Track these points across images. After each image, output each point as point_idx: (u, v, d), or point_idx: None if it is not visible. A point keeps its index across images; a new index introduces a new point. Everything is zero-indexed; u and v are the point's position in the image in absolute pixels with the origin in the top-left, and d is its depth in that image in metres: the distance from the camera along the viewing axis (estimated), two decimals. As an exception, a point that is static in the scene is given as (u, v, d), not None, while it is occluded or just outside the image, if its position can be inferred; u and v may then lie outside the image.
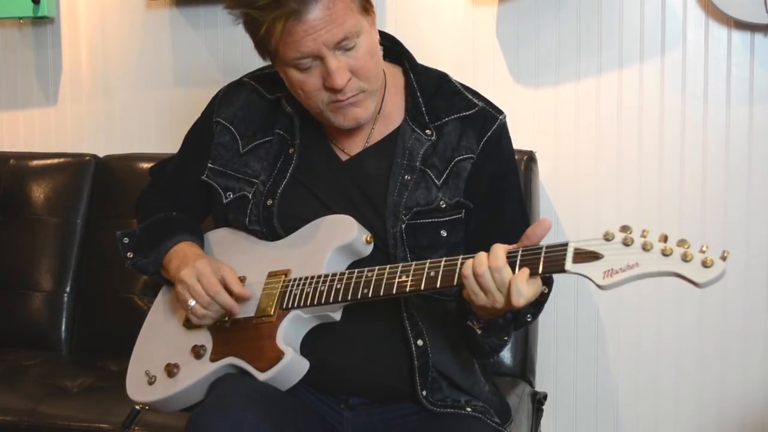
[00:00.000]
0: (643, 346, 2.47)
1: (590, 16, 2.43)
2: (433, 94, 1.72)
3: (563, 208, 2.49)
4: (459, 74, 1.81)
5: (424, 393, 1.64)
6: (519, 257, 1.41)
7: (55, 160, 2.72)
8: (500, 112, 1.73)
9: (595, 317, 2.49)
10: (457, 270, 1.45)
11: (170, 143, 2.55)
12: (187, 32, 2.75)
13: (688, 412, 2.45)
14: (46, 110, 2.91)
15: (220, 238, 1.79)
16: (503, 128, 1.73)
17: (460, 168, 1.67)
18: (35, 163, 2.73)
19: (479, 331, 1.58)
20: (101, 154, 2.73)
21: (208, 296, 1.62)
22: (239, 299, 1.63)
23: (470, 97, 1.73)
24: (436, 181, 1.66)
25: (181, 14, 2.75)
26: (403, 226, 1.63)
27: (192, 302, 1.63)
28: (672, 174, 2.41)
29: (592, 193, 2.46)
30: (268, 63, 1.67)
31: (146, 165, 2.58)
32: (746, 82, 2.35)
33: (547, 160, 2.46)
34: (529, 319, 1.60)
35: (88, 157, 2.71)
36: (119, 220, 2.52)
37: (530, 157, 2.36)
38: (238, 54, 2.67)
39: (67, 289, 2.62)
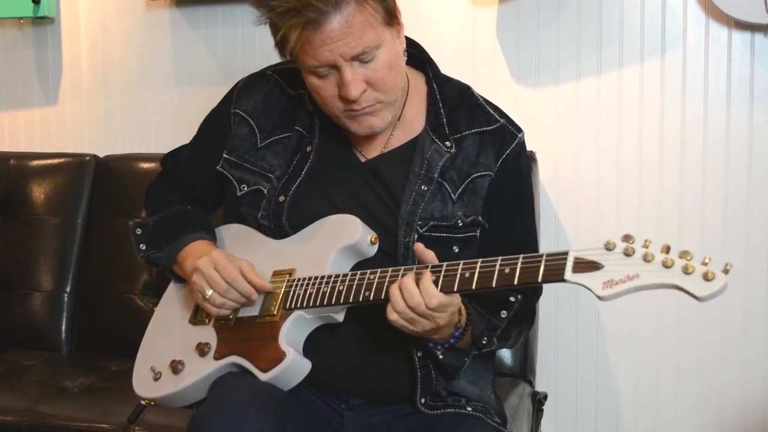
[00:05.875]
0: (642, 346, 2.47)
1: (590, 16, 2.43)
2: (455, 106, 1.71)
3: (563, 208, 2.48)
4: (459, 74, 1.80)
5: (423, 401, 1.64)
6: (519, 265, 1.39)
7: (55, 160, 2.72)
8: (519, 130, 1.73)
9: (595, 317, 2.49)
10: (458, 274, 1.45)
11: (170, 143, 2.53)
12: (187, 32, 2.75)
13: (688, 412, 2.45)
14: (46, 110, 2.90)
15: (227, 233, 1.78)
16: (522, 147, 1.72)
17: (477, 185, 1.66)
18: (35, 163, 2.72)
19: (439, 352, 1.60)
20: (101, 154, 2.73)
21: (225, 283, 1.60)
22: (257, 290, 1.62)
23: (492, 112, 1.72)
24: (452, 195, 1.65)
25: (181, 14, 2.75)
26: (417, 237, 1.61)
27: (209, 291, 1.61)
28: (672, 174, 2.41)
29: (592, 193, 2.46)
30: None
31: (146, 165, 2.59)
32: (746, 82, 2.35)
33: (547, 161, 2.45)
34: (485, 342, 1.61)
35: (88, 157, 2.71)
36: (119, 220, 2.52)
37: (530, 157, 2.36)
38: (238, 54, 2.66)
39: (67, 289, 2.62)
